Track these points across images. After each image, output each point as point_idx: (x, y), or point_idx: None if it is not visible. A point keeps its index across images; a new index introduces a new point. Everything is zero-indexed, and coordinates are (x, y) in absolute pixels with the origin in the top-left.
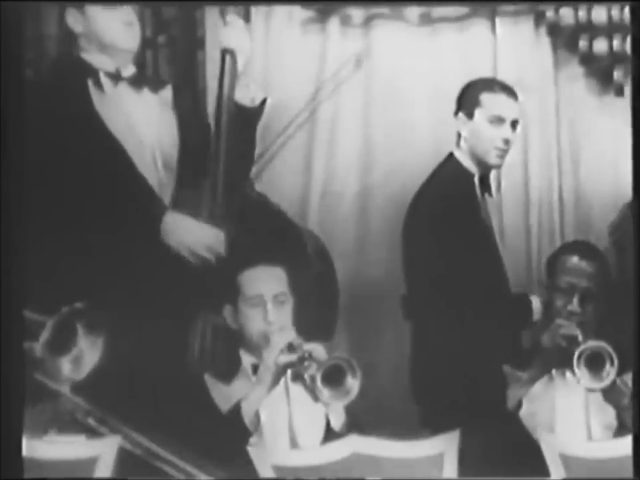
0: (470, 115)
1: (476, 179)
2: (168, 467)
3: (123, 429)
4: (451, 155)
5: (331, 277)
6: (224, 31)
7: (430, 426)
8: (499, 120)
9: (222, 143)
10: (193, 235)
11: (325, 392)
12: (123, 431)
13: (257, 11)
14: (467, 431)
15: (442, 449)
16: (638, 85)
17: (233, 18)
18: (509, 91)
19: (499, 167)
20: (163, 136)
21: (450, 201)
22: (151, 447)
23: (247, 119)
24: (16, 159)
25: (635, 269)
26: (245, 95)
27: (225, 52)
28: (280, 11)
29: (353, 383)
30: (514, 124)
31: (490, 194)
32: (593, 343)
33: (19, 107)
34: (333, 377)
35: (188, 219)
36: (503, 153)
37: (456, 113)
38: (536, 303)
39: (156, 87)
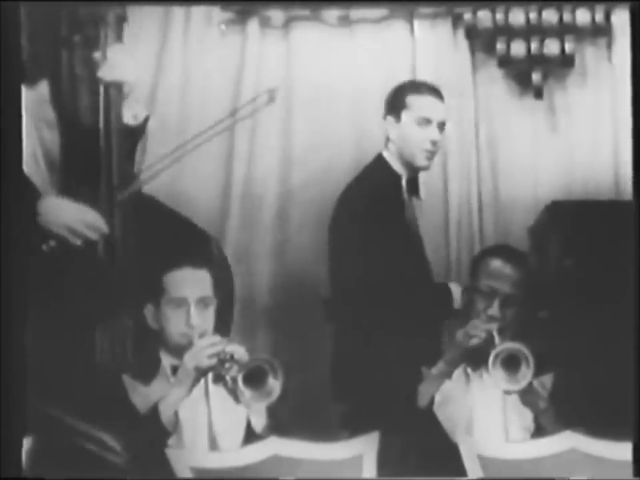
0: (398, 118)
1: (403, 181)
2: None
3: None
4: (379, 156)
5: (227, 276)
6: (104, 67)
7: (350, 428)
8: (426, 121)
9: (111, 157)
10: (71, 214)
11: (246, 393)
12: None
13: (175, 12)
14: (387, 432)
15: (361, 451)
16: (637, 85)
17: (112, 52)
18: (436, 92)
19: (426, 168)
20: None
21: (376, 202)
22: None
23: (130, 136)
24: (14, 158)
25: (635, 269)
26: (128, 114)
27: (107, 86)
28: (199, 11)
29: (275, 384)
30: (441, 125)
31: (418, 196)
32: (508, 345)
33: (17, 107)
34: (255, 379)
35: (64, 200)
36: (431, 155)
37: (385, 117)
38: (456, 290)
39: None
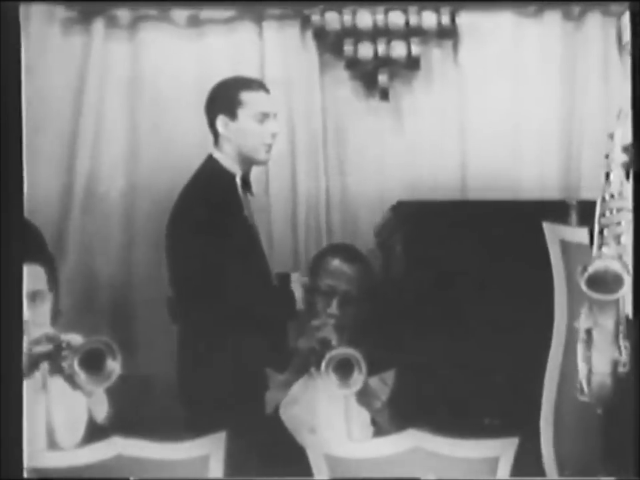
0: (233, 116)
1: (238, 179)
2: None
3: None
4: (210, 157)
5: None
6: None
7: (196, 428)
8: (265, 116)
9: None
10: None
11: (83, 376)
12: None
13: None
14: (233, 433)
15: (208, 451)
16: (637, 84)
17: None
18: (264, 86)
19: (266, 162)
20: None
21: (210, 202)
22: None
23: None
24: (14, 157)
25: (635, 269)
26: None
27: None
28: (39, 9)
29: (113, 365)
30: (275, 117)
31: (251, 193)
32: (342, 350)
33: (17, 107)
34: (92, 362)
35: None
36: (269, 148)
37: (213, 116)
38: (297, 290)
39: None
